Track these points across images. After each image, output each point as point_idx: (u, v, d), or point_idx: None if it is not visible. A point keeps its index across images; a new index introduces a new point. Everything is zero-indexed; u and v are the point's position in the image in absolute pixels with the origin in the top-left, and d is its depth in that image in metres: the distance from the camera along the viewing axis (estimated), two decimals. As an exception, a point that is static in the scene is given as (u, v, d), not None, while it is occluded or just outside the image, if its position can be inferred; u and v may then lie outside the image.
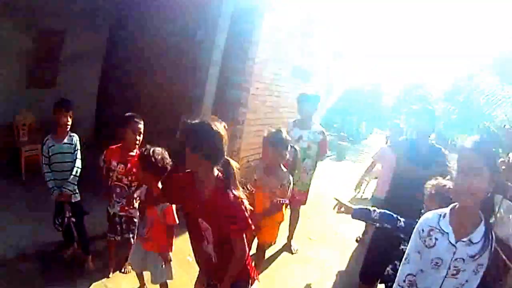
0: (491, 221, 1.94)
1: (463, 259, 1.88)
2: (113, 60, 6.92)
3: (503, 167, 4.01)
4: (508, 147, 6.40)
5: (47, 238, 3.99)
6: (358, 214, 2.77)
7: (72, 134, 3.69)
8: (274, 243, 4.05)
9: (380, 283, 4.25)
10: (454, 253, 1.88)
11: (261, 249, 3.90)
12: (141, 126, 3.52)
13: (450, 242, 1.88)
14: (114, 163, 3.53)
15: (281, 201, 3.40)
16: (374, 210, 2.72)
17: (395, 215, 2.70)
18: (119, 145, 3.59)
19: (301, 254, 5.07)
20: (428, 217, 2.01)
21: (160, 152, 3.09)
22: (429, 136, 4.10)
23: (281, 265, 4.68)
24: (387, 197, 4.43)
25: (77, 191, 3.69)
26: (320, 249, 5.32)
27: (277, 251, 4.94)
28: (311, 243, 5.53)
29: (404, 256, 2.08)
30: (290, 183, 3.43)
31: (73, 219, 3.68)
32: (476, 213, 1.89)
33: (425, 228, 1.98)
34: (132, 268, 3.58)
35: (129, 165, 3.53)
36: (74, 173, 3.62)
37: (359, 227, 6.40)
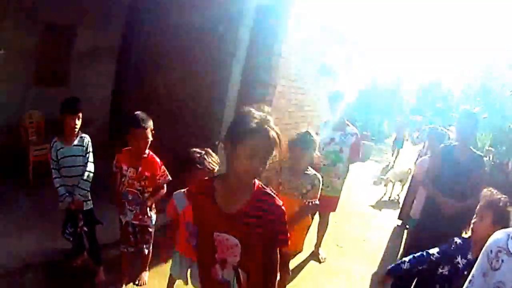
0: None
1: None
2: (128, 57, 6.63)
3: None
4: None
5: (54, 247, 3.67)
6: (392, 274, 2.73)
7: (83, 135, 3.34)
8: (301, 251, 3.79)
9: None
10: None
11: (285, 260, 3.44)
12: (145, 131, 3.09)
13: None
14: (125, 167, 3.22)
15: (313, 202, 3.18)
16: (403, 262, 2.71)
17: (425, 253, 2.68)
18: (130, 147, 3.24)
19: (328, 263, 4.75)
20: (498, 237, 1.90)
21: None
22: (471, 142, 3.79)
23: (308, 276, 4.35)
24: (420, 219, 4.12)
25: (89, 197, 3.38)
26: (348, 257, 4.99)
27: (304, 260, 4.65)
28: (339, 251, 5.19)
29: (468, 279, 1.97)
30: (320, 183, 3.22)
31: (85, 228, 3.38)
32: None
33: (493, 249, 1.88)
34: (174, 277, 3.24)
35: (140, 168, 3.20)
36: (85, 177, 3.28)
37: (387, 233, 6.08)
